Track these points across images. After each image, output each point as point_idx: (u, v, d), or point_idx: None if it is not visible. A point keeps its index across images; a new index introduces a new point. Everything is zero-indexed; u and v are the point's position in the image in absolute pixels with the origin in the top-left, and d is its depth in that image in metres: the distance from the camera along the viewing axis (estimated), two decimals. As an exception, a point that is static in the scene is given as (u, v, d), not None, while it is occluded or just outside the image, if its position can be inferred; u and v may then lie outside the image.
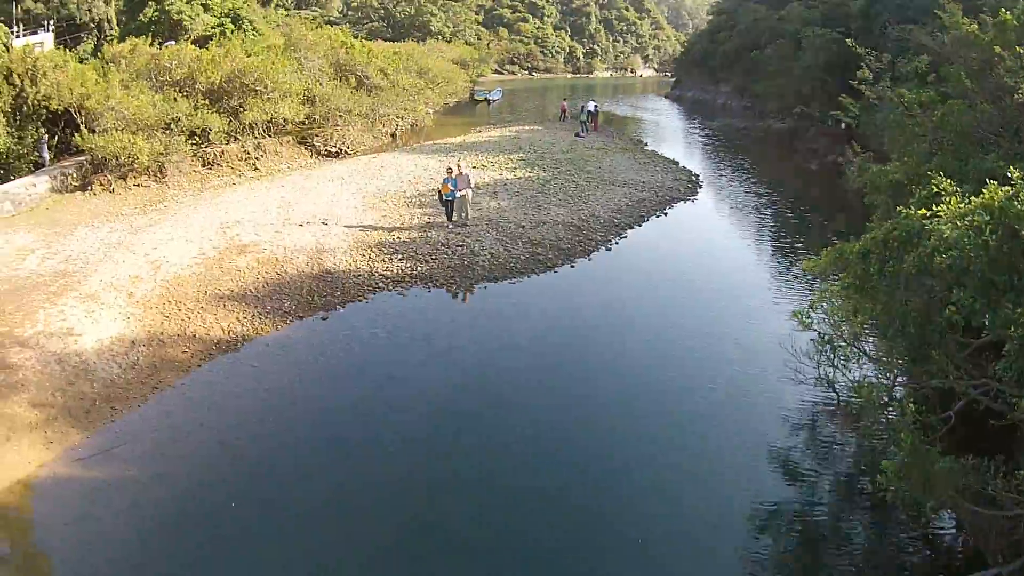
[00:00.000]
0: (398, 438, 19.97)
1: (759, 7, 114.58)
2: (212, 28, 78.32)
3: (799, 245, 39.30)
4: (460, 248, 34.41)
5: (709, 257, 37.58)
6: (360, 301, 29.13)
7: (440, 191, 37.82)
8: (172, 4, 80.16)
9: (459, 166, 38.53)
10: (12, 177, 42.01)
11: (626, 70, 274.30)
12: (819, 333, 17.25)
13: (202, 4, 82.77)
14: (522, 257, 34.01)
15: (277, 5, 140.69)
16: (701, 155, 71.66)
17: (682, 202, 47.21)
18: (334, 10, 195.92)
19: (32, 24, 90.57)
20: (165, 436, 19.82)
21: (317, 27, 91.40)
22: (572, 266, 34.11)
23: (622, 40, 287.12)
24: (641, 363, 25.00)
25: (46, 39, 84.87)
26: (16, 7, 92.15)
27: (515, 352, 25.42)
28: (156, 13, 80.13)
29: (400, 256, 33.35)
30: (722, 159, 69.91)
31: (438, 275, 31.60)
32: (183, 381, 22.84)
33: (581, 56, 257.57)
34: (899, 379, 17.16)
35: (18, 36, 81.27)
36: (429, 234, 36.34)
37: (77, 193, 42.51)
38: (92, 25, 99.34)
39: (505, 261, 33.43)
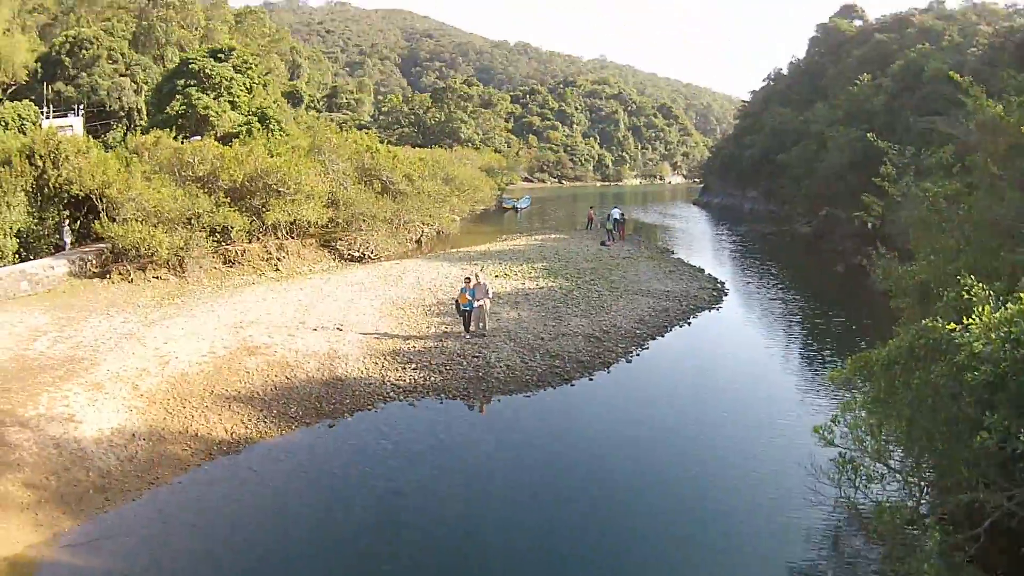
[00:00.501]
0: (396, 556, 19.00)
1: (784, 110, 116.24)
2: (239, 126, 78.67)
3: (826, 352, 38.18)
4: (476, 359, 33.47)
5: (732, 368, 36.25)
6: (369, 410, 28.23)
7: (458, 301, 37.07)
8: (199, 99, 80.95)
9: (477, 276, 37.94)
10: (32, 257, 42.46)
11: (655, 177, 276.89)
12: (840, 454, 16.51)
13: (229, 101, 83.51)
14: (539, 369, 32.84)
15: (308, 106, 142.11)
16: (727, 262, 71.06)
17: (706, 311, 46.07)
18: (365, 114, 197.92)
19: (62, 107, 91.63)
20: (154, 533, 19.51)
21: (343, 130, 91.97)
22: (590, 379, 32.75)
23: (650, 147, 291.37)
24: (657, 483, 23.82)
25: (75, 123, 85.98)
26: (47, 88, 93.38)
27: (527, 470, 24.34)
28: (183, 107, 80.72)
29: (414, 365, 32.45)
30: (748, 265, 69.06)
31: (451, 387, 30.60)
32: (180, 479, 22.46)
33: (610, 164, 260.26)
34: (926, 496, 16.47)
35: (48, 117, 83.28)
36: (445, 344, 35.45)
37: (96, 279, 42.78)
38: (122, 113, 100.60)
39: (521, 373, 32.28)
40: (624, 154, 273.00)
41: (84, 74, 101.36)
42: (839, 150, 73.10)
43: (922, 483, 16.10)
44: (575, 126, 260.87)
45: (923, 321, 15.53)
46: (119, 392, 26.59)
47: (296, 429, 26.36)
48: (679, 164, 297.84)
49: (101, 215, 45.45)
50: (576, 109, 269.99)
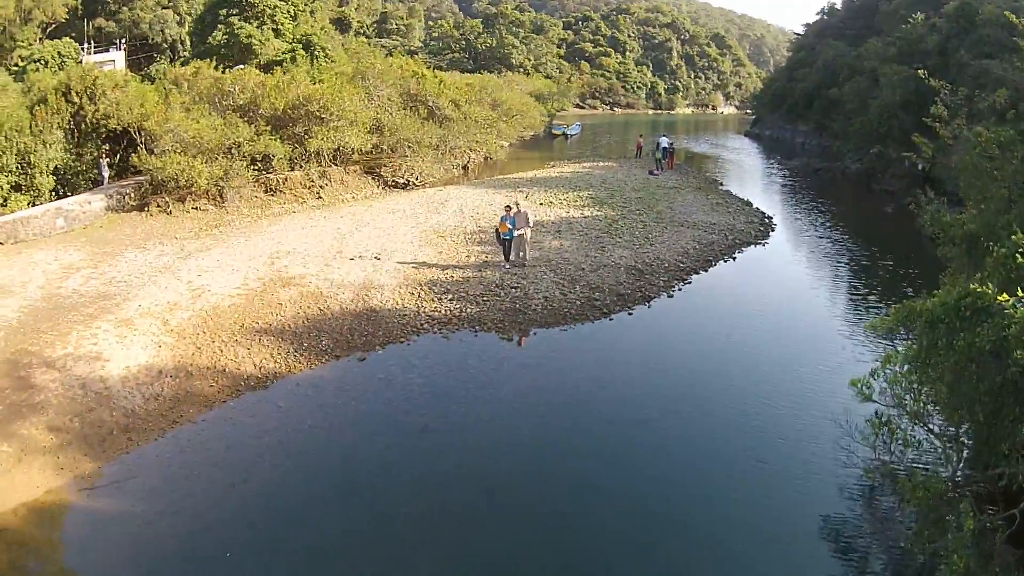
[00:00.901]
0: (419, 496, 18.26)
1: (838, 43, 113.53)
2: (283, 53, 78.09)
3: (872, 297, 36.38)
4: (514, 290, 32.52)
5: (775, 308, 34.58)
6: (402, 343, 27.37)
7: (498, 229, 36.07)
8: (241, 28, 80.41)
9: (517, 204, 36.92)
10: (70, 194, 42.31)
11: (707, 107, 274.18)
12: (876, 413, 15.50)
13: (273, 29, 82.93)
14: (578, 302, 31.76)
15: (357, 32, 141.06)
16: (776, 196, 69.35)
17: (752, 246, 44.50)
18: (416, 40, 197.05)
19: (104, 42, 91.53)
20: (177, 473, 19.05)
21: (391, 56, 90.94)
22: (630, 313, 31.59)
23: (703, 77, 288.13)
24: (689, 426, 22.59)
25: (118, 58, 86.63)
26: (88, 25, 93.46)
27: (558, 408, 23.25)
28: (225, 36, 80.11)
29: (450, 296, 31.57)
30: (797, 200, 67.42)
31: (487, 319, 29.64)
32: (204, 417, 21.90)
33: (663, 92, 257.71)
34: (962, 468, 15.31)
35: (89, 53, 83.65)
36: (484, 274, 34.56)
37: (134, 213, 42.62)
38: (165, 46, 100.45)
39: (560, 306, 31.26)
40: (677, 83, 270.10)
41: (126, 8, 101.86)
42: (891, 88, 71.12)
43: (961, 453, 15.06)
44: (628, 53, 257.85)
45: (970, 280, 14.46)
46: (149, 328, 26.14)
47: (326, 363, 25.60)
48: (732, 94, 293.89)
49: (139, 148, 45.17)
50: (629, 37, 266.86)
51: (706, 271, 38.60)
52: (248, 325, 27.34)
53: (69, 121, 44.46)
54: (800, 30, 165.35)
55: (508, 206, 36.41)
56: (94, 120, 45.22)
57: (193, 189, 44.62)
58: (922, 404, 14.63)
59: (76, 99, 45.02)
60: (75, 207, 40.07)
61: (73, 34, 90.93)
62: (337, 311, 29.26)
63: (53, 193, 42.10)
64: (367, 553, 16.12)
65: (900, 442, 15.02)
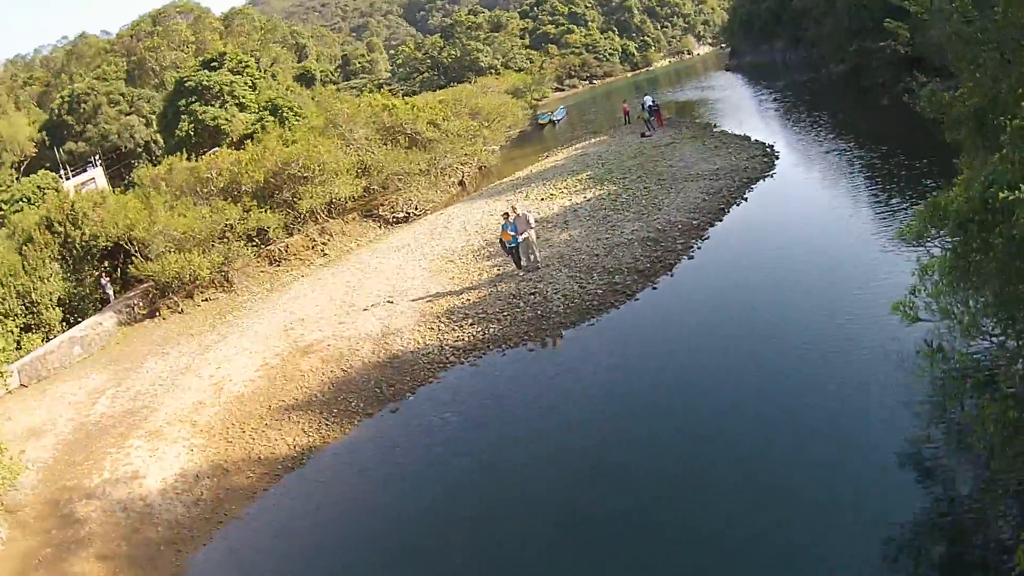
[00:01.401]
0: (482, 544, 17.49)
1: None
2: (252, 125, 77.95)
3: (894, 200, 34.36)
4: (532, 296, 31.52)
5: (800, 238, 32.74)
6: (431, 383, 26.53)
7: (501, 239, 35.19)
8: (204, 112, 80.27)
9: (514, 208, 35.84)
10: (80, 320, 42.50)
11: (683, 53, 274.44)
12: (926, 341, 14.19)
13: (236, 104, 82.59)
14: (598, 291, 30.56)
15: (323, 82, 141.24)
16: (772, 122, 67.40)
17: (761, 180, 43.05)
18: (382, 72, 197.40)
19: (80, 163, 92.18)
20: (231, 574, 19.11)
21: (360, 95, 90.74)
22: (654, 288, 30.38)
23: (670, 24, 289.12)
24: (738, 392, 21.17)
25: (97, 174, 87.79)
26: (58, 151, 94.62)
27: (597, 421, 21.63)
28: (191, 125, 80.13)
29: (470, 320, 30.68)
30: (792, 120, 65.48)
31: (511, 334, 28.64)
32: (248, 510, 21.67)
33: (635, 52, 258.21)
34: None
35: (67, 178, 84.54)
36: (499, 288, 33.60)
37: (146, 321, 42.71)
38: (139, 150, 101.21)
39: (581, 300, 30.17)
40: (646, 39, 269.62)
41: (90, 126, 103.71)
42: None
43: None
44: (591, 24, 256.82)
45: (989, 162, 13.19)
46: (178, 434, 25.86)
47: (359, 423, 25.02)
48: (702, 34, 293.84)
49: (135, 257, 45.20)
50: (587, 7, 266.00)
51: (721, 220, 37.36)
52: (275, 405, 26.80)
53: (60, 251, 44.82)
54: None
55: (505, 212, 35.51)
56: (83, 243, 45.50)
57: (198, 282, 44.29)
58: (972, 314, 13.23)
59: (60, 228, 45.43)
60: (88, 331, 40.05)
61: (47, 164, 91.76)
62: (360, 367, 28.52)
63: (64, 323, 42.28)
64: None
65: (956, 365, 13.79)
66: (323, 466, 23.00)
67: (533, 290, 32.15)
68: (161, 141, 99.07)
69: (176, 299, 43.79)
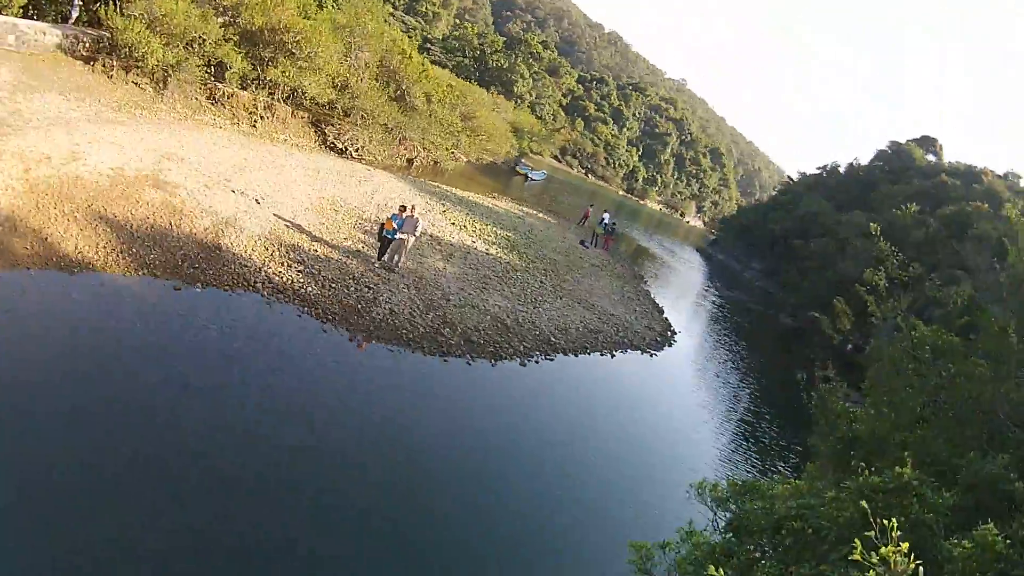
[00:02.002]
0: (126, 450, 17.35)
1: (825, 202, 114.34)
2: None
3: (738, 458, 34.30)
4: (367, 290, 31.64)
5: (621, 432, 31.77)
6: (224, 291, 26.59)
7: (383, 225, 35.27)
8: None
9: (413, 208, 36.21)
10: (35, 18, 41.49)
11: (677, 210, 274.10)
12: None
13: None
14: (421, 329, 30.58)
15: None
16: (694, 317, 68.56)
17: (639, 352, 42.37)
18: (437, 31, 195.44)
19: None
20: None
21: (406, 31, 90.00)
22: (469, 363, 30.21)
23: (685, 181, 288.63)
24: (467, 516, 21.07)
25: None
26: None
27: (333, 433, 21.78)
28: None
29: (301, 268, 30.79)
30: (712, 330, 66.18)
31: (321, 305, 28.69)
32: (1, 276, 21.40)
33: (641, 179, 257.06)
34: None
35: None
36: (349, 262, 33.72)
37: (80, 62, 41.67)
38: None
39: (402, 324, 30.19)
40: (658, 175, 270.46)
41: None
42: (855, 260, 71.38)
43: None
44: (624, 130, 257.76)
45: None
46: (10, 169, 25.50)
47: (141, 276, 24.99)
48: (706, 209, 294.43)
49: (111, 3, 43.90)
50: (633, 115, 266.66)
51: (576, 356, 37.08)
52: (96, 208, 26.64)
53: None
54: (795, 176, 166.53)
55: (403, 206, 35.88)
56: None
57: (142, 63, 43.69)
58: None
59: None
60: (29, 31, 39.12)
61: None
62: (185, 233, 28.61)
63: (21, 11, 41.18)
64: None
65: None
66: (83, 286, 23.02)
67: (372, 285, 32.39)
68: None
69: (115, 63, 43.15)
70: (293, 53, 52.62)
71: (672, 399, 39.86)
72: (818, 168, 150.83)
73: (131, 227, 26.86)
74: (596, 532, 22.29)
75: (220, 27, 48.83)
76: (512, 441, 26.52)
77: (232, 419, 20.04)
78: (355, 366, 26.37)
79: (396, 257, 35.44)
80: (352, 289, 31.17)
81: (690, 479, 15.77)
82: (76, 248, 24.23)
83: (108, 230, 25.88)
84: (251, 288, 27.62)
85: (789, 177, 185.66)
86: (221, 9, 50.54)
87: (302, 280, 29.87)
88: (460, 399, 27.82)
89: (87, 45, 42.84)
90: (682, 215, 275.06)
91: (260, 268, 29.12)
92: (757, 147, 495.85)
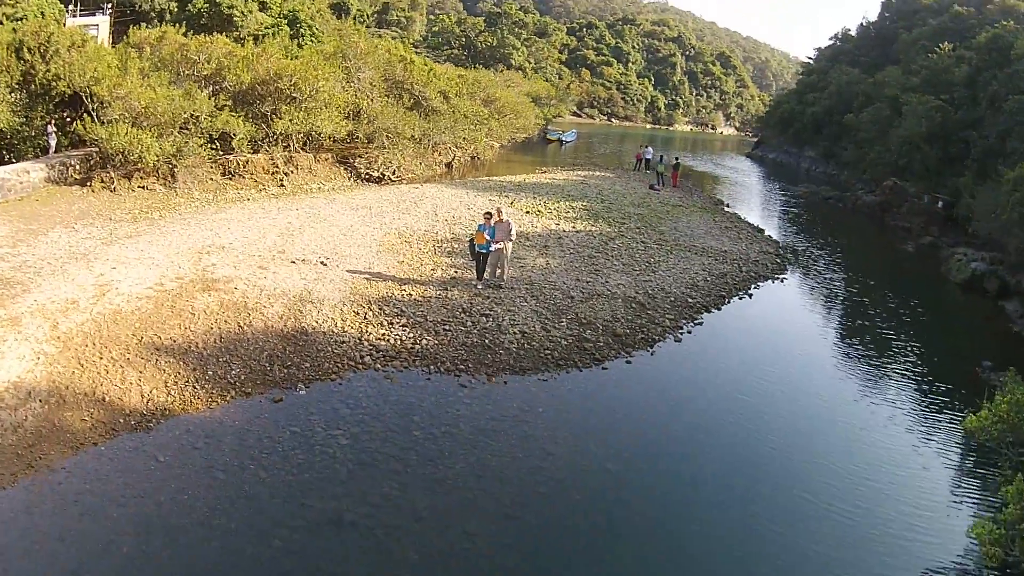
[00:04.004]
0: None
1: (852, 70, 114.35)
2: (266, 28, 73.66)
3: (920, 366, 29.71)
4: (485, 319, 26.84)
5: (806, 366, 28.90)
6: (332, 380, 21.69)
7: (473, 240, 30.63)
8: (223, -2, 75.53)
9: (499, 211, 31.34)
10: (14, 161, 39.37)
11: (707, 126, 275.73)
12: None
13: (259, 1, 78.16)
14: (563, 342, 26.05)
15: (356, 20, 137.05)
16: (786, 224, 64.51)
17: (769, 281, 39.32)
18: (415, 33, 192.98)
19: (91, 7, 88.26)
20: (13, 543, 14.32)
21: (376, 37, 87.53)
22: (628, 361, 25.87)
23: (705, 95, 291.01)
24: (697, 539, 16.85)
25: (102, 23, 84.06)
26: None
27: (527, 505, 17.22)
28: (206, 4, 75.35)
29: (404, 321, 25.93)
30: (809, 231, 61.88)
31: (446, 356, 23.85)
32: (67, 464, 16.99)
33: (662, 107, 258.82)
34: None
35: (74, 15, 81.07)
36: (450, 294, 28.99)
37: (75, 187, 38.89)
38: (153, 14, 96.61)
39: (540, 345, 25.57)
40: (678, 98, 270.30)
41: None
42: (916, 118, 67.83)
43: None
44: (630, 65, 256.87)
45: None
46: (35, 331, 20.97)
47: (231, 401, 20.11)
48: (733, 115, 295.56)
49: (87, 115, 41.00)
50: (633, 48, 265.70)
51: (719, 309, 33.42)
52: (148, 339, 21.87)
53: (20, 81, 41.25)
54: (806, 57, 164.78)
55: (488, 213, 30.95)
56: (44, 81, 41.40)
57: (141, 165, 40.22)
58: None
59: (28, 57, 41.42)
60: (11, 176, 36.18)
61: None
62: (260, 329, 23.73)
63: None
64: None
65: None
66: (169, 440, 18.12)
67: (488, 311, 27.61)
68: (175, 12, 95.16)
69: (113, 175, 39.87)
70: (294, 97, 48.89)
71: (825, 319, 36.58)
72: (830, 39, 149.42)
73: (196, 347, 22.08)
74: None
75: (209, 98, 45.08)
76: (730, 434, 22.06)
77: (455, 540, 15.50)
78: (519, 419, 21.08)
79: (499, 271, 30.85)
80: (469, 324, 26.31)
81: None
82: (143, 397, 19.51)
83: (172, 360, 21.13)
84: (360, 366, 22.76)
85: (804, 58, 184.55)
86: (203, 81, 46.91)
87: (411, 335, 24.99)
88: (652, 413, 22.97)
89: (77, 167, 39.94)
90: (713, 128, 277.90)
91: (360, 338, 24.29)
92: (756, 39, 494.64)
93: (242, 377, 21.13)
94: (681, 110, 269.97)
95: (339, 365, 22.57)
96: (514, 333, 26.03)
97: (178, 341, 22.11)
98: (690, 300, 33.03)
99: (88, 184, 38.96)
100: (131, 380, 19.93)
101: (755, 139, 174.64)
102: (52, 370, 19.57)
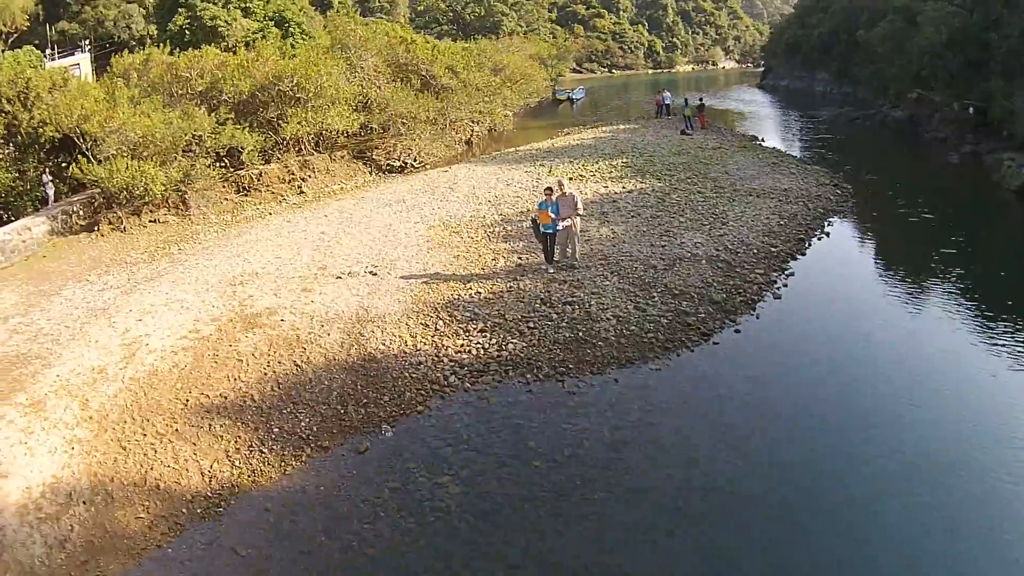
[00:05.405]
0: None
1: None
2: (252, 33, 70.88)
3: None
4: (570, 307, 23.55)
5: (917, 308, 25.62)
6: (420, 414, 18.39)
7: (536, 220, 27.26)
8: (204, 9, 72.91)
9: (560, 185, 27.64)
10: (14, 219, 36.59)
11: (707, 63, 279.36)
12: None
13: (241, 8, 75.45)
14: (663, 320, 22.98)
15: (339, 12, 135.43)
16: (825, 151, 60.49)
17: (837, 216, 36.75)
18: (400, 16, 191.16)
19: (69, 46, 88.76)
20: None
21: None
22: (736, 330, 23.10)
23: (701, 32, 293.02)
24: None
25: (83, 60, 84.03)
26: (50, 29, 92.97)
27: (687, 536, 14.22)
28: (187, 21, 72.65)
29: (480, 325, 22.66)
30: (850, 154, 58.39)
31: (541, 359, 20.61)
32: None
33: (661, 51, 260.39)
34: None
35: (53, 59, 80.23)
36: (521, 284, 25.68)
37: (82, 235, 36.16)
38: (133, 43, 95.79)
39: (640, 328, 22.42)
40: (674, 40, 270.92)
41: (88, 7, 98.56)
42: (934, 26, 64.17)
43: None
44: (622, 13, 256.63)
45: None
46: (63, 415, 17.76)
47: (307, 460, 16.86)
48: (731, 49, 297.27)
49: (81, 157, 37.85)
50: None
51: (803, 254, 30.68)
52: (195, 401, 18.68)
53: (3, 135, 39.06)
54: None
55: (549, 188, 27.38)
56: (30, 129, 38.89)
57: (149, 199, 37.43)
58: None
59: (8, 108, 39.18)
60: (13, 236, 33.28)
61: (36, 41, 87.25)
62: (321, 365, 20.41)
63: None
64: None
65: None
66: (245, 525, 14.93)
67: (570, 298, 24.31)
68: (156, 34, 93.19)
69: (120, 214, 37.09)
70: (299, 98, 46.10)
71: (912, 249, 33.93)
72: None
73: (252, 400, 18.83)
74: None
75: (208, 114, 42.20)
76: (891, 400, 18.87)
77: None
78: (646, 420, 18.03)
79: (570, 250, 27.48)
80: (555, 317, 23.02)
81: None
82: (203, 475, 16.33)
83: (227, 423, 17.92)
84: (448, 389, 19.53)
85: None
86: (199, 97, 44.27)
87: (493, 341, 21.73)
88: (785, 381, 20.32)
89: (80, 213, 37.40)
90: (714, 64, 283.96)
91: (438, 355, 21.04)
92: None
93: (314, 428, 17.89)
94: (680, 51, 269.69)
95: (423, 393, 19.32)
96: (608, 319, 22.79)
97: (230, 397, 18.93)
98: (773, 249, 30.39)
99: (95, 229, 36.49)
100: (185, 456, 16.81)
101: (760, 69, 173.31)
102: (91, 460, 16.50)
